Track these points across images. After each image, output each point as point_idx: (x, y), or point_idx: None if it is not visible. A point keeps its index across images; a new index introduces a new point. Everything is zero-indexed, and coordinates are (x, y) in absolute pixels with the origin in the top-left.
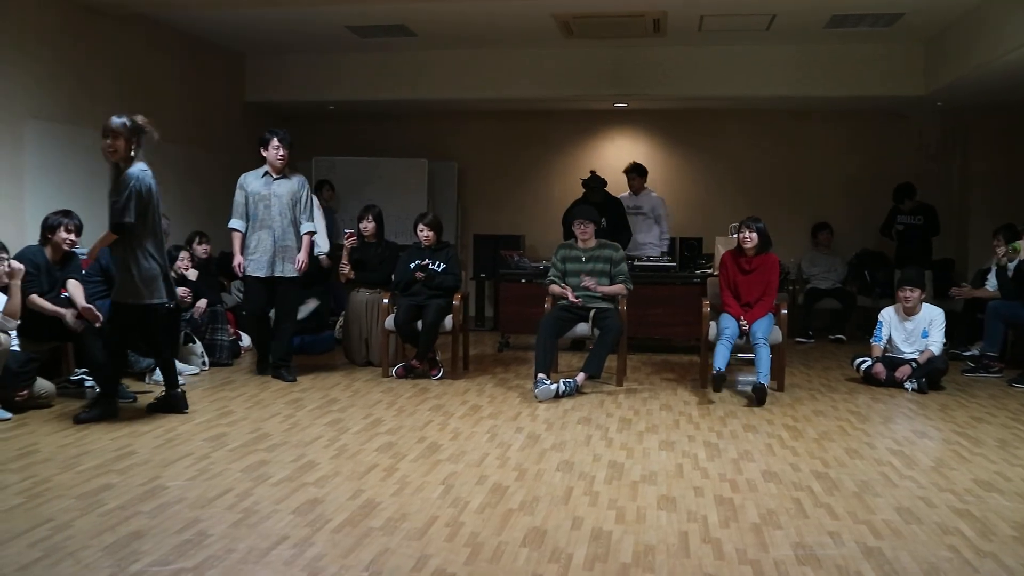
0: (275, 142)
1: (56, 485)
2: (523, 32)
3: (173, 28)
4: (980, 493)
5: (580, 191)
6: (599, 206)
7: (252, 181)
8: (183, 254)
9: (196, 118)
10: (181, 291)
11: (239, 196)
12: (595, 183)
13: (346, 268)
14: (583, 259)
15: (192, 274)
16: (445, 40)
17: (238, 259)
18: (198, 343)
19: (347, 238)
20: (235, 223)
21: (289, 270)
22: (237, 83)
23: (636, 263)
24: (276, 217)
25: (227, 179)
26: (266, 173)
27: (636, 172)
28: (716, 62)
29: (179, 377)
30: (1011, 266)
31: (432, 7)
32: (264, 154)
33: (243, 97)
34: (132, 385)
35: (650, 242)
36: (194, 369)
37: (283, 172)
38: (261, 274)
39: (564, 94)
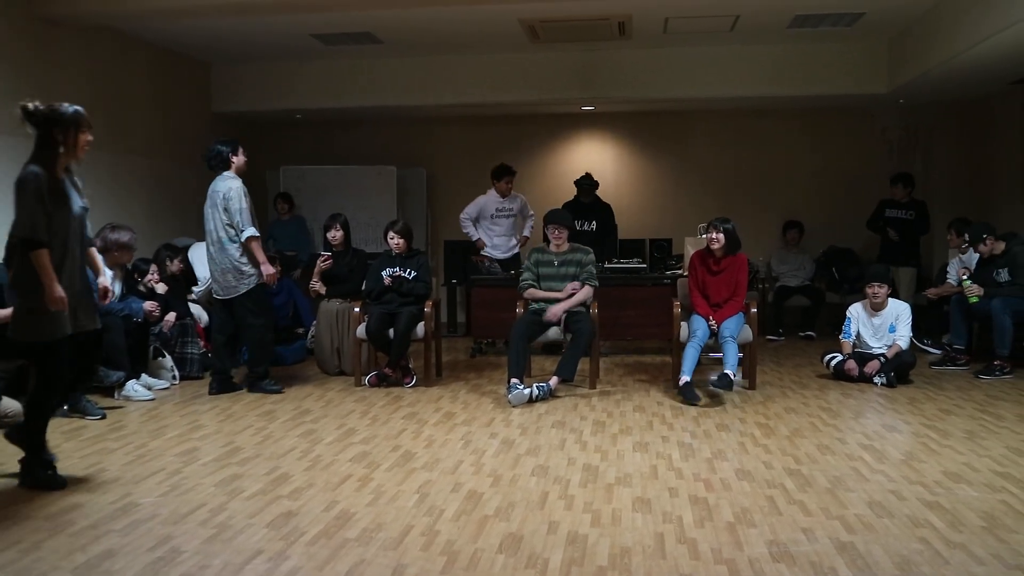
0: (242, 148)
1: (24, 506)
2: (490, 37)
3: (137, 39)
4: (949, 485)
5: (551, 194)
6: (590, 209)
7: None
8: (152, 267)
9: (163, 129)
10: (149, 305)
11: (249, 203)
12: (586, 183)
13: (316, 284)
14: (555, 263)
15: (161, 288)
16: (412, 47)
17: (270, 268)
18: (168, 357)
19: (323, 261)
20: (255, 230)
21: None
22: (203, 93)
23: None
24: (248, 219)
25: (196, 190)
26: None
27: (508, 174)
28: (682, 64)
29: (149, 391)
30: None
31: (397, 14)
32: (235, 160)
33: (210, 107)
34: (101, 401)
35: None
36: (164, 383)
37: None
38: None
39: (531, 99)
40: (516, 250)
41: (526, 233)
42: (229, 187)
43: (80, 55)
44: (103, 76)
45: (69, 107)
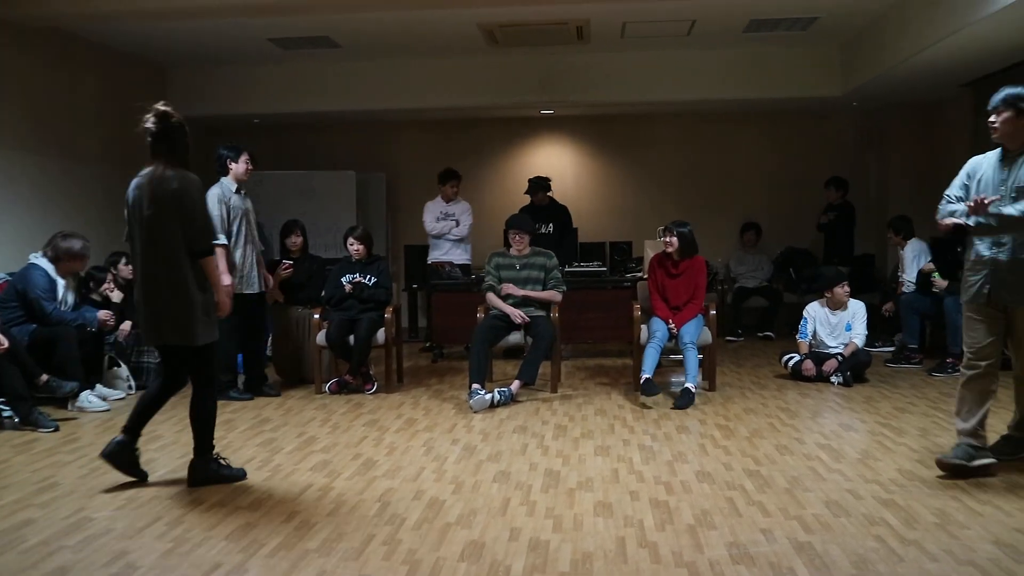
0: (246, 156)
1: None
2: (448, 41)
3: (88, 42)
4: (904, 482)
5: (510, 198)
6: (547, 212)
7: (230, 196)
8: (108, 276)
9: (116, 135)
10: (103, 314)
11: (221, 210)
12: (534, 181)
13: (277, 292)
14: (517, 267)
15: (116, 296)
16: (370, 51)
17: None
18: (123, 367)
19: (283, 269)
20: (223, 238)
21: (260, 285)
22: (159, 97)
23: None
24: (254, 233)
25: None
26: (237, 189)
27: (454, 178)
28: (640, 68)
29: (104, 402)
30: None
31: (355, 18)
32: (233, 167)
33: None
34: (54, 413)
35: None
36: (120, 393)
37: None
38: (255, 291)
39: (491, 102)
40: (467, 256)
41: (452, 236)
42: (208, 193)
43: (28, 58)
44: (52, 80)
45: (176, 118)
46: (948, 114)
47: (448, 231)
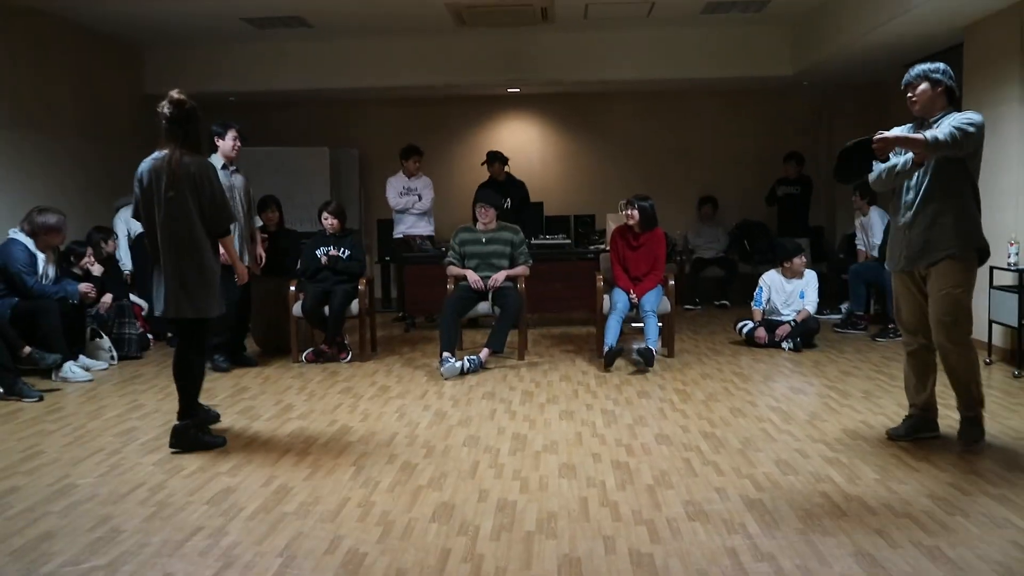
0: (234, 132)
1: None
2: (417, 21)
3: (65, 20)
4: (848, 442)
5: (478, 172)
6: (503, 187)
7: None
8: (88, 250)
9: (93, 111)
10: (84, 286)
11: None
12: (495, 153)
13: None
14: (483, 240)
15: (97, 269)
16: (342, 30)
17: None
18: (105, 338)
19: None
20: None
21: (248, 260)
22: (136, 75)
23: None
24: (240, 209)
25: (127, 172)
26: (224, 165)
27: (415, 154)
28: (602, 47)
29: (88, 372)
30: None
31: None
32: (220, 144)
33: (143, 89)
34: (38, 383)
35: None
36: (103, 364)
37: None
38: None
39: (459, 81)
40: (431, 228)
41: (415, 210)
42: None
43: (5, 38)
44: (28, 59)
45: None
46: (891, 93)
47: (411, 205)
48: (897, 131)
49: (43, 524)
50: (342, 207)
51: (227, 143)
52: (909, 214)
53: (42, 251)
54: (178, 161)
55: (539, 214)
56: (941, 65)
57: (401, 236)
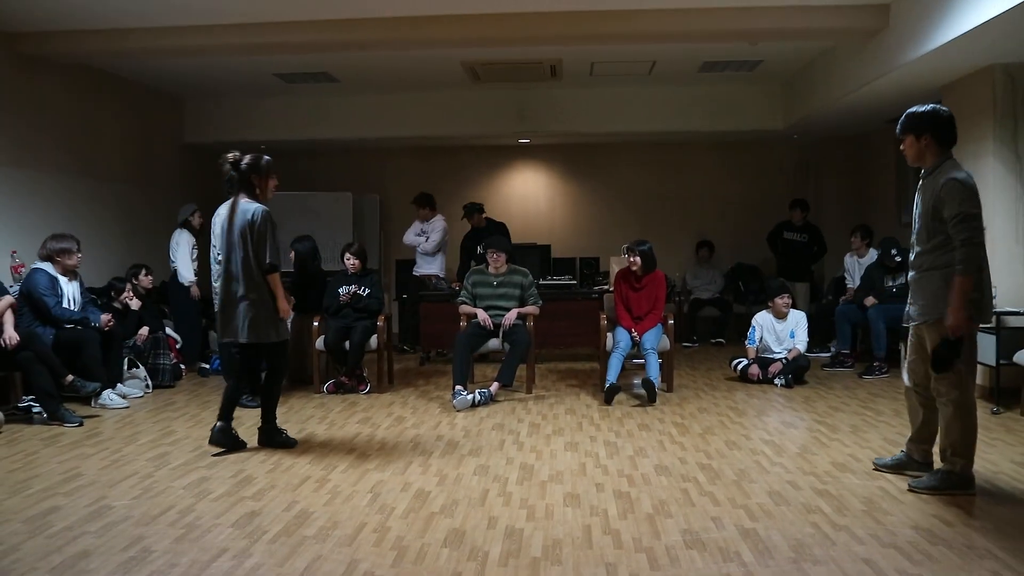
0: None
1: (4, 509)
2: (435, 77)
3: (115, 76)
4: (836, 474)
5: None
6: (487, 231)
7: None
8: (128, 285)
9: (137, 158)
10: (105, 317)
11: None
12: (472, 205)
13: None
14: (494, 283)
15: (135, 304)
16: (365, 85)
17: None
18: (141, 368)
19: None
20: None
21: None
22: (176, 125)
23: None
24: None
25: (167, 215)
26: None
27: (427, 204)
28: (607, 102)
29: (124, 400)
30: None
31: (352, 56)
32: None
33: (183, 138)
34: (79, 409)
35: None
36: (138, 392)
37: None
38: None
39: (473, 132)
40: (436, 269)
41: (420, 248)
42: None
43: (60, 90)
44: (82, 109)
45: (264, 158)
46: (875, 146)
47: (418, 245)
48: (951, 309)
49: (81, 543)
50: (363, 248)
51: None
52: (912, 272)
53: (62, 275)
54: (243, 209)
55: (546, 256)
56: (924, 109)
57: (416, 275)
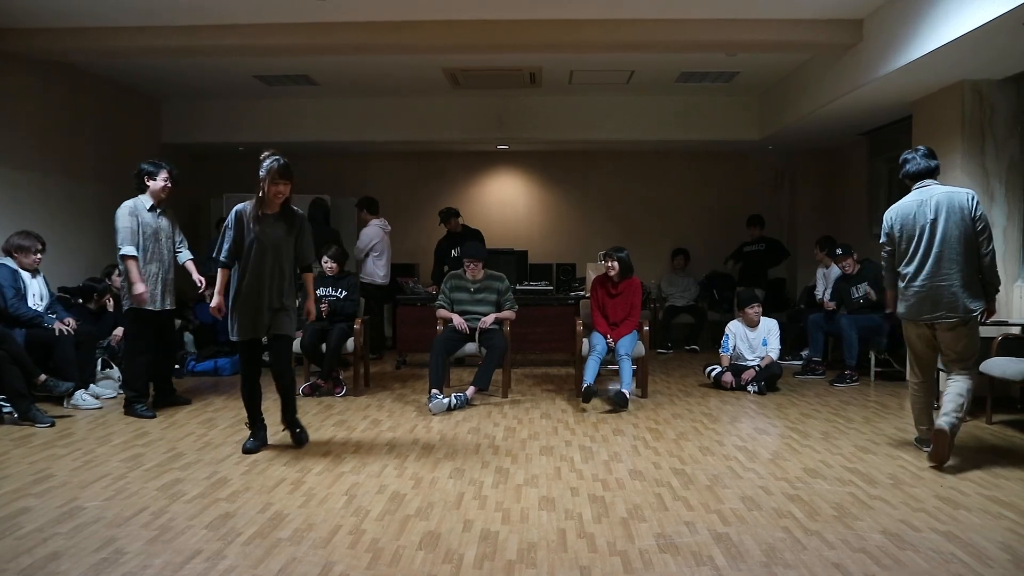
0: (165, 173)
1: None
2: (415, 83)
3: (93, 74)
4: (807, 480)
5: (470, 222)
6: (462, 236)
7: (141, 212)
8: (103, 286)
9: (113, 158)
10: (59, 326)
11: (132, 223)
12: (448, 210)
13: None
14: (471, 289)
15: (111, 305)
16: (345, 89)
17: (141, 287)
18: (115, 368)
19: None
20: (131, 249)
21: (170, 303)
22: (154, 126)
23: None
24: (163, 251)
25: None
26: (152, 207)
27: (367, 207)
28: (585, 110)
29: (97, 400)
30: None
31: (332, 60)
32: (151, 184)
33: (160, 139)
34: (51, 409)
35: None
36: (111, 393)
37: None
38: (156, 308)
39: (453, 137)
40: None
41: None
42: (121, 205)
43: (36, 88)
44: (56, 107)
45: (268, 159)
46: (847, 158)
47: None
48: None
49: (51, 544)
50: (341, 251)
51: (157, 184)
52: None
53: (26, 270)
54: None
55: (523, 262)
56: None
57: (398, 279)
